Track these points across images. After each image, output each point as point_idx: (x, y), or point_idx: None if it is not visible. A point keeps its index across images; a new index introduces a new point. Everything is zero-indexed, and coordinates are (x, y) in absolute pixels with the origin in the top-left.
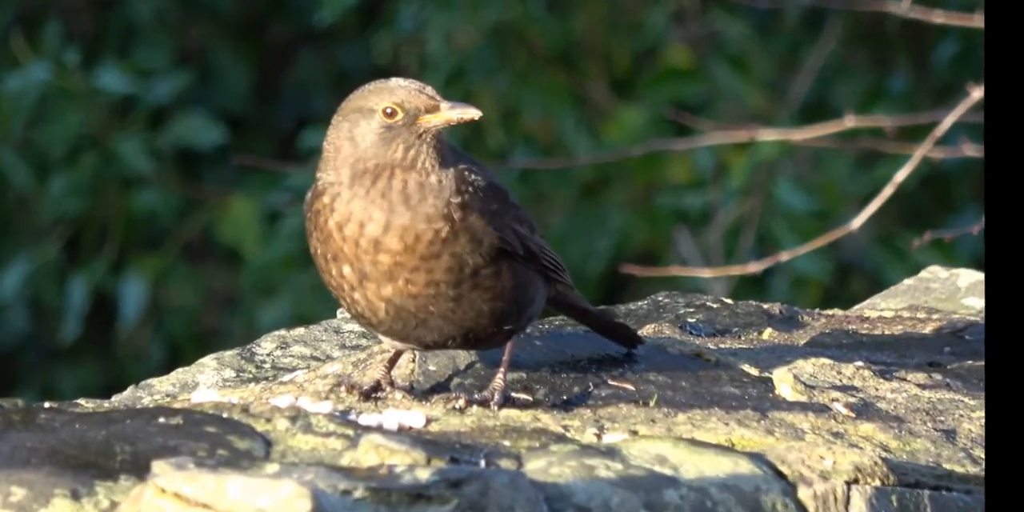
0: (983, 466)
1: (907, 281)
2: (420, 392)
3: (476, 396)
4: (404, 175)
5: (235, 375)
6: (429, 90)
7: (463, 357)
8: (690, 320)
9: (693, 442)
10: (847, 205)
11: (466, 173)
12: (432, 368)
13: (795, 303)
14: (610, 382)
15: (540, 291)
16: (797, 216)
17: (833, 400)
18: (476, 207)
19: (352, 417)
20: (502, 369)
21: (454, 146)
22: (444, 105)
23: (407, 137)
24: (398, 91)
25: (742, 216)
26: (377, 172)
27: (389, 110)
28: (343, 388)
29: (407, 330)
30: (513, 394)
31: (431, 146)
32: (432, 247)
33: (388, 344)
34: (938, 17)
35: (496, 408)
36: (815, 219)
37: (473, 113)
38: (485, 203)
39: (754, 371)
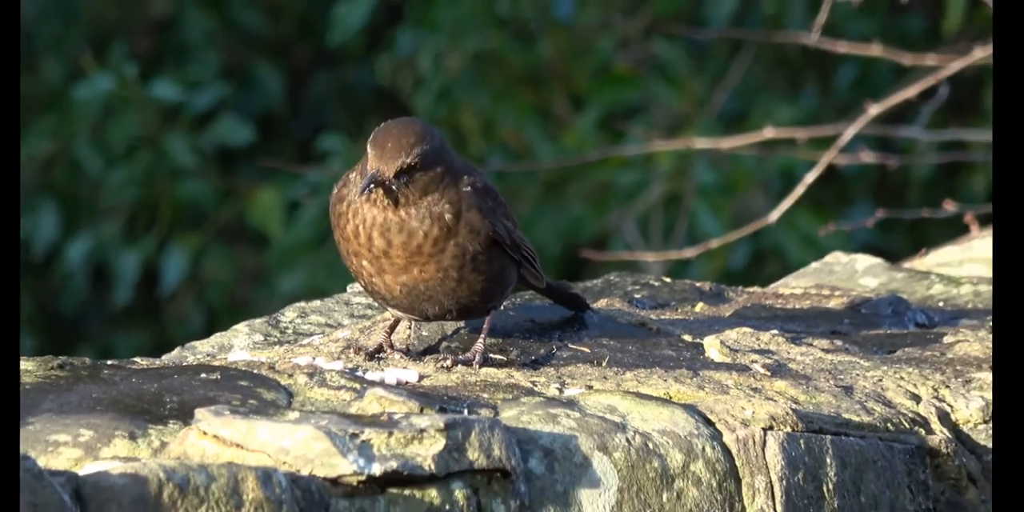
0: (875, 416)
1: (814, 264)
2: (415, 353)
3: (461, 357)
4: (390, 214)
5: (263, 339)
6: (382, 158)
7: (450, 325)
8: (636, 296)
9: (638, 395)
10: (752, 185)
11: (466, 177)
12: (425, 334)
13: (711, 278)
14: (570, 346)
15: (515, 274)
16: (710, 192)
17: (752, 362)
18: (475, 204)
19: (359, 374)
20: (483, 335)
21: (449, 151)
22: (372, 175)
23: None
24: (368, 152)
25: (667, 193)
26: (373, 201)
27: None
28: (352, 350)
29: (415, 305)
30: (491, 355)
31: (395, 194)
32: (437, 245)
33: (393, 314)
34: (841, 47)
35: (477, 367)
36: (725, 195)
37: (364, 193)
38: (482, 201)
39: (688, 338)
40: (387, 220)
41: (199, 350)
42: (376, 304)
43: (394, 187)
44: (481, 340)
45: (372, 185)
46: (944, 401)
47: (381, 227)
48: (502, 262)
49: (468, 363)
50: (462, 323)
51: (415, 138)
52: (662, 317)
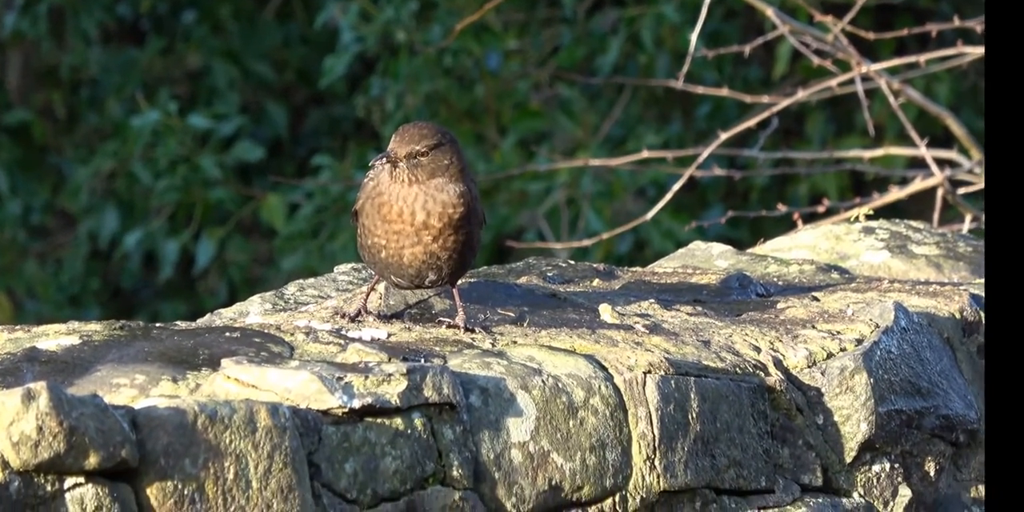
0: (727, 362)
1: (680, 250)
2: (384, 317)
3: (457, 321)
4: (416, 188)
5: (271, 307)
6: (399, 143)
7: (412, 296)
8: (548, 274)
9: (550, 348)
10: (627, 193)
11: (469, 177)
12: (391, 302)
13: (603, 261)
14: (499, 311)
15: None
16: (596, 198)
17: (635, 323)
18: (477, 196)
19: (343, 332)
20: (460, 304)
21: (461, 155)
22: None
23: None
24: (392, 139)
25: (567, 198)
26: (395, 178)
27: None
28: (338, 315)
29: (421, 272)
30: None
31: (405, 171)
32: (463, 220)
33: (395, 283)
34: (699, 89)
35: (462, 330)
36: (607, 200)
37: (378, 162)
38: (476, 195)
39: (587, 305)
40: (426, 196)
41: (224, 315)
42: (366, 277)
43: (401, 164)
44: (461, 308)
45: (384, 160)
46: (778, 351)
47: (422, 203)
48: (478, 241)
49: (456, 327)
50: (425, 294)
51: (428, 133)
52: (568, 290)
